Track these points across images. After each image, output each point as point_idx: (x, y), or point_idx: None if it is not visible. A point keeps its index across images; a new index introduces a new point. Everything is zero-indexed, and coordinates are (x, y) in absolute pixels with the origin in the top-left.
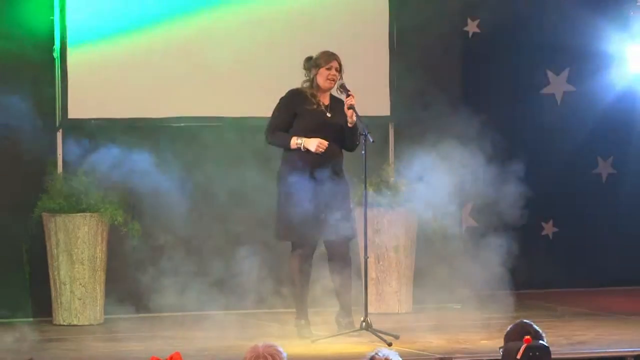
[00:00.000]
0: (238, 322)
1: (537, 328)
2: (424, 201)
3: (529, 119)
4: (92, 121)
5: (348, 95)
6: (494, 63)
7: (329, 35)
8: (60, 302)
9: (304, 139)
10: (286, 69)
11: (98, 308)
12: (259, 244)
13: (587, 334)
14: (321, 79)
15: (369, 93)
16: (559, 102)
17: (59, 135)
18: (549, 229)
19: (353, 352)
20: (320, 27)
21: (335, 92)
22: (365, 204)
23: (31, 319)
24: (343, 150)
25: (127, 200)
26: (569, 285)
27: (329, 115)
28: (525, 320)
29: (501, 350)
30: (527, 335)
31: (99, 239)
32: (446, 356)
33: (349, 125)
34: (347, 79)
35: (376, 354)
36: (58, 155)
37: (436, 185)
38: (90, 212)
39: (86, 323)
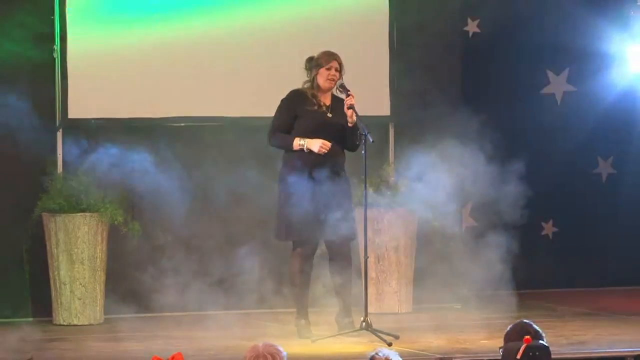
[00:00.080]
0: (238, 321)
1: (537, 328)
2: (424, 201)
3: (529, 119)
4: (92, 121)
5: (348, 95)
6: (494, 63)
7: (329, 35)
8: (60, 302)
9: (307, 140)
10: (286, 69)
11: (98, 308)
12: (259, 244)
13: (587, 334)
14: (321, 79)
15: (369, 93)
16: (559, 102)
17: (59, 135)
18: (549, 229)
19: (353, 352)
20: (320, 27)
21: (335, 92)
22: (365, 204)
23: (31, 319)
24: (345, 151)
25: (127, 200)
26: (569, 285)
27: (329, 115)
28: (525, 320)
29: (501, 350)
30: (527, 335)
31: (99, 238)
32: (446, 356)
33: (349, 125)
34: (347, 79)
35: (376, 354)
36: (58, 155)
37: (436, 185)
38: (90, 212)
39: (86, 323)
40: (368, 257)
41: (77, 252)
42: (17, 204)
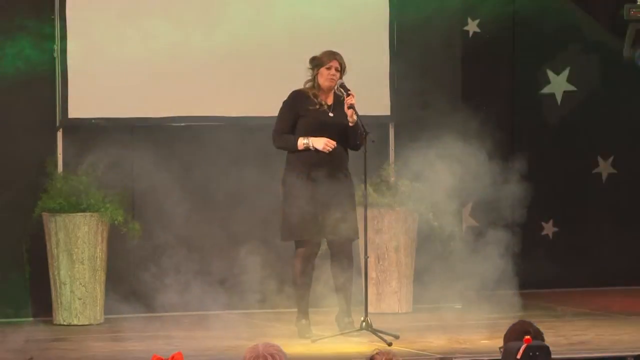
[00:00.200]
0: (238, 321)
1: (537, 328)
2: (425, 201)
3: (529, 118)
4: (92, 121)
5: (348, 95)
6: (494, 63)
7: (329, 35)
8: (61, 302)
9: (311, 139)
10: (286, 69)
11: (98, 308)
12: (259, 244)
13: (587, 334)
14: (322, 79)
15: (369, 93)
16: (559, 102)
17: (59, 135)
18: (549, 228)
19: (353, 352)
20: (321, 26)
21: (337, 91)
22: (365, 204)
23: (31, 319)
24: (348, 150)
25: (127, 200)
26: (569, 285)
27: (331, 115)
28: (525, 320)
29: (501, 350)
30: (527, 335)
31: (99, 238)
32: (446, 356)
33: (350, 124)
34: (347, 79)
35: (376, 353)
36: (58, 155)
37: (436, 185)
38: (90, 211)
39: (86, 323)
40: (368, 257)
41: (77, 252)
42: (17, 204)
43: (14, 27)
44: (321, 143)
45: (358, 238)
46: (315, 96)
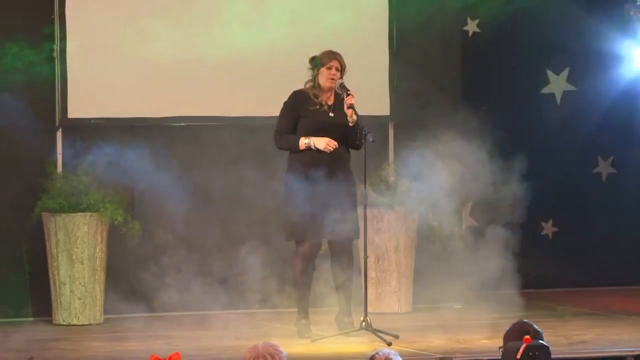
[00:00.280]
0: (238, 321)
1: (537, 328)
2: (424, 201)
3: (529, 118)
4: (92, 121)
5: (347, 95)
6: (494, 63)
7: (329, 35)
8: (60, 302)
9: (312, 139)
10: (286, 69)
11: (98, 308)
12: (259, 243)
13: (587, 333)
14: (322, 79)
15: (369, 93)
16: (559, 102)
17: (59, 135)
18: (548, 228)
19: (353, 352)
20: (320, 26)
21: (338, 91)
22: (365, 204)
23: (31, 319)
24: (349, 150)
25: (126, 200)
26: (569, 285)
27: (331, 115)
28: (525, 320)
29: (501, 350)
30: (526, 335)
31: (99, 238)
32: (446, 356)
33: (350, 124)
34: (347, 79)
35: (376, 353)
36: (58, 155)
37: (436, 184)
38: (90, 211)
39: (86, 323)
40: (368, 257)
41: (77, 252)
42: (17, 204)
43: (14, 27)
44: (323, 143)
45: (359, 238)
46: (316, 96)
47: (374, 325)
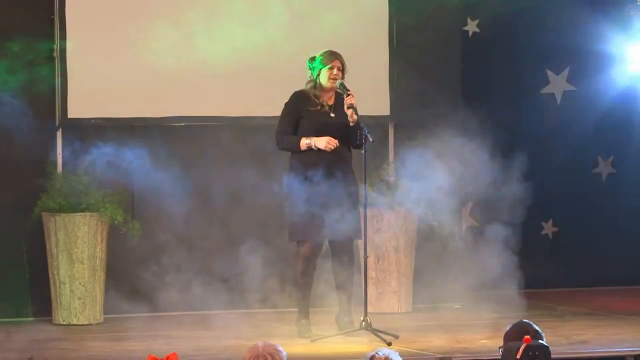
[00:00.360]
0: (238, 321)
1: (536, 328)
2: (424, 201)
3: (529, 118)
4: (92, 121)
5: (347, 95)
6: (494, 63)
7: (329, 35)
8: (60, 302)
9: (313, 138)
10: (286, 69)
11: (98, 307)
12: (260, 243)
13: (587, 333)
14: (323, 79)
15: (369, 93)
16: (559, 102)
17: (59, 135)
18: (548, 228)
19: (353, 351)
20: (320, 26)
21: (340, 91)
22: (365, 204)
23: (31, 319)
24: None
25: (126, 200)
26: (569, 285)
27: (332, 115)
28: (525, 320)
29: (501, 350)
30: (526, 334)
31: (99, 238)
32: (446, 356)
33: (350, 124)
34: (348, 79)
35: (376, 353)
36: (58, 155)
37: (436, 184)
38: (90, 211)
39: (86, 323)
40: (368, 257)
41: (77, 252)
42: (17, 204)
43: (14, 27)
44: (323, 142)
45: (360, 238)
46: (317, 97)
47: (374, 325)
